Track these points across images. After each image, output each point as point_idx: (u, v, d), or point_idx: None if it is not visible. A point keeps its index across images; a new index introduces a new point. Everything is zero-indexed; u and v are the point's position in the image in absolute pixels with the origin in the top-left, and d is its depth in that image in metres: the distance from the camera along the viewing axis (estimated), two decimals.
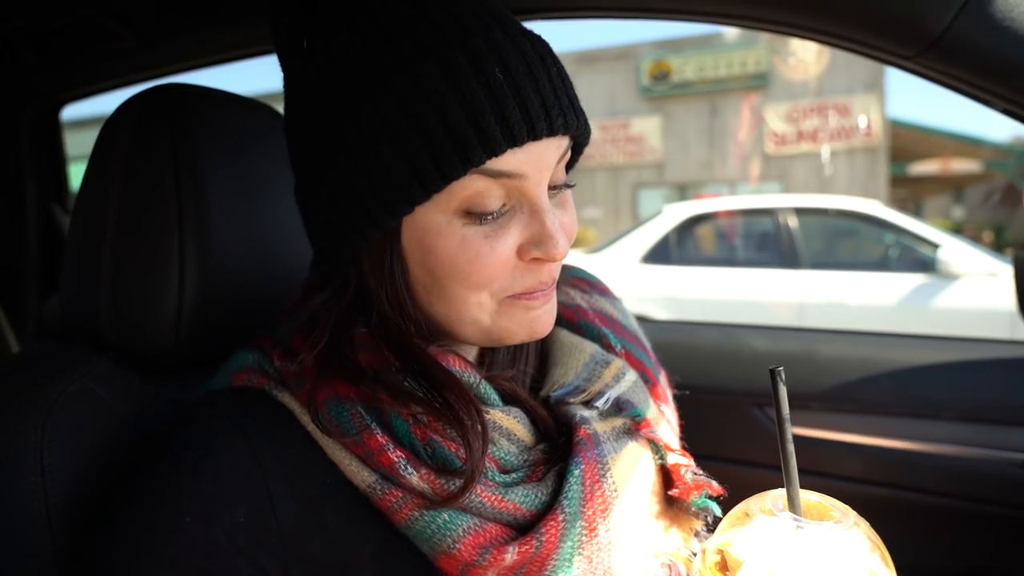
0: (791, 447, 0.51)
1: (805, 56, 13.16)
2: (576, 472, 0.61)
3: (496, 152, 0.54)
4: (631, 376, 0.73)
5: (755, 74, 13.86)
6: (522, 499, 0.59)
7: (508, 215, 0.59)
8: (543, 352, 0.76)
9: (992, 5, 0.82)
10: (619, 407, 0.69)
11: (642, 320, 0.96)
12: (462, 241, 0.57)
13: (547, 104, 0.56)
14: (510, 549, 0.57)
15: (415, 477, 0.57)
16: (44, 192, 1.74)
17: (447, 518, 0.57)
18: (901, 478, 1.32)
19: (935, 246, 5.10)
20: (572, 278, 0.85)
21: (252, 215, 0.84)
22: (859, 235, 5.96)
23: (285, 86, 0.64)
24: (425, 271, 0.60)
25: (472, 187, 0.56)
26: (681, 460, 0.70)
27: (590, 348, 0.74)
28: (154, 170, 0.77)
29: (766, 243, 5.90)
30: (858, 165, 13.55)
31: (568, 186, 0.65)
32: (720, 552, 0.50)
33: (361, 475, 0.59)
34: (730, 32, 13.84)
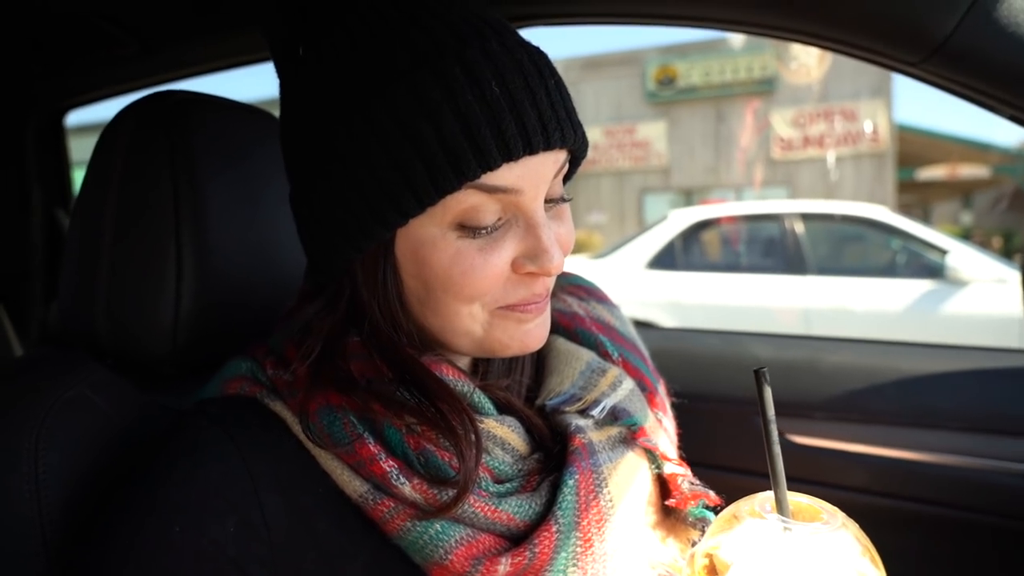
0: (777, 448, 0.50)
1: (807, 60, 13.13)
2: (570, 482, 0.60)
3: (491, 166, 0.53)
4: (628, 384, 0.73)
5: (761, 79, 13.84)
6: (516, 509, 0.59)
7: (503, 228, 0.59)
8: (539, 360, 0.75)
9: (996, 11, 0.81)
10: (615, 416, 0.69)
11: (646, 327, 0.95)
12: (456, 254, 0.57)
13: (544, 118, 0.55)
14: (503, 560, 0.56)
15: (407, 487, 0.56)
16: (49, 197, 1.75)
17: (439, 528, 0.56)
18: (905, 489, 1.31)
19: (943, 252, 5.06)
20: (569, 285, 0.84)
21: (251, 222, 0.84)
22: (866, 241, 5.92)
23: (280, 92, 0.64)
24: (419, 283, 0.59)
25: (467, 201, 0.55)
26: (678, 470, 0.69)
27: (586, 356, 0.73)
28: (152, 176, 0.77)
29: (772, 249, 5.88)
30: (865, 171, 13.50)
31: (565, 200, 0.64)
32: (708, 556, 0.49)
33: (353, 485, 0.58)
34: (736, 37, 13.82)
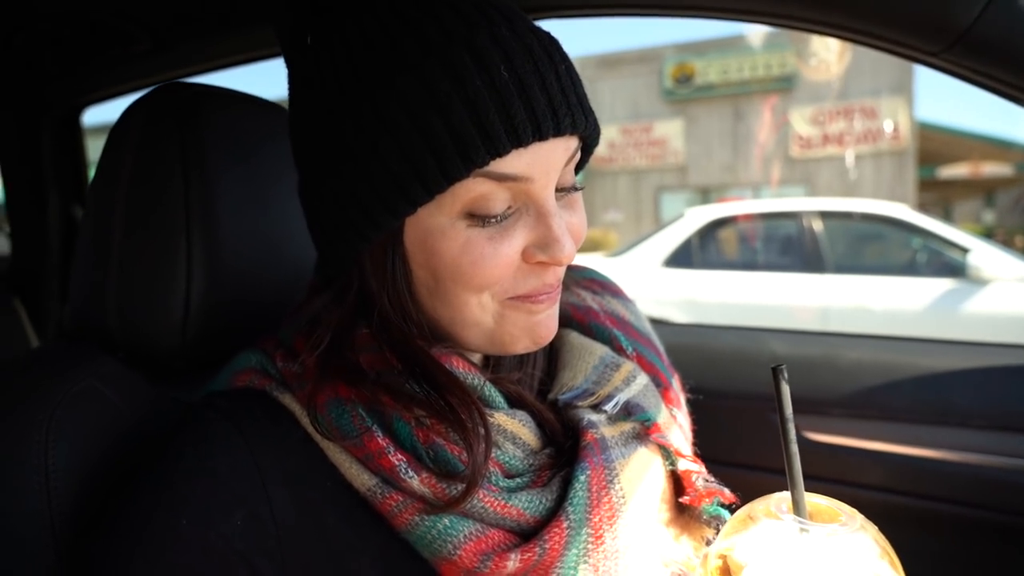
0: (795, 448, 0.49)
1: (827, 56, 13.00)
2: (582, 478, 0.59)
3: (500, 152, 0.53)
4: (642, 379, 0.72)
5: (780, 76, 13.73)
6: (526, 504, 0.58)
7: (513, 217, 0.58)
8: (552, 354, 0.74)
9: None
10: (629, 411, 0.68)
11: (659, 323, 0.94)
12: (465, 243, 0.56)
13: (554, 103, 0.54)
14: (512, 556, 0.55)
15: (416, 481, 0.56)
16: (65, 195, 1.76)
17: (448, 523, 0.56)
18: (924, 487, 1.28)
19: (965, 250, 4.99)
20: (583, 279, 0.83)
21: (262, 216, 0.84)
22: (886, 239, 5.84)
23: (289, 83, 0.64)
24: (427, 273, 0.59)
25: (476, 190, 0.55)
26: (692, 466, 0.68)
27: (600, 350, 0.72)
28: (162, 170, 0.76)
29: (790, 247, 5.82)
30: (885, 169, 13.35)
31: (576, 189, 0.63)
32: (722, 557, 0.48)
33: (361, 478, 0.58)
34: (755, 34, 13.73)
